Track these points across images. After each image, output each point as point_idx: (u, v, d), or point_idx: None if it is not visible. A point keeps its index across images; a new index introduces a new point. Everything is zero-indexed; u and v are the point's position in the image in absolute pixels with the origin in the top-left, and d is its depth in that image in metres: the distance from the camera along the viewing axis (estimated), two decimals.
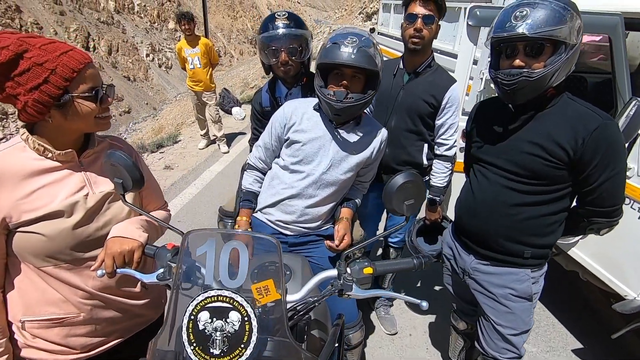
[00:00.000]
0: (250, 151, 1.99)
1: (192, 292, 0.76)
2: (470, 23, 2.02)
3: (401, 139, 1.90)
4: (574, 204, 1.33)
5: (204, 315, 0.67)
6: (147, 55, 25.31)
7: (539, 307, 2.60)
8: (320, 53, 1.36)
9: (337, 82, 1.35)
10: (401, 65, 1.89)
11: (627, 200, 1.87)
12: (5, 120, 21.39)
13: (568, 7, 1.07)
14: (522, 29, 1.06)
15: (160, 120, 14.35)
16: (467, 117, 1.54)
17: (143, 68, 23.54)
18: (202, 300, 0.68)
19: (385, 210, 2.23)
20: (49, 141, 0.94)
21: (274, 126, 1.53)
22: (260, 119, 1.86)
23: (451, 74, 1.91)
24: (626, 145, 1.79)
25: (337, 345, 1.19)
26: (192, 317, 0.67)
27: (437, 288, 2.71)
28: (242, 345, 0.66)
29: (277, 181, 1.53)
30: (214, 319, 0.67)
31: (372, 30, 5.73)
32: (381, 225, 2.29)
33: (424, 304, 0.87)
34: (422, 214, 2.11)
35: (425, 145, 1.91)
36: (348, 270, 0.93)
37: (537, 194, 1.26)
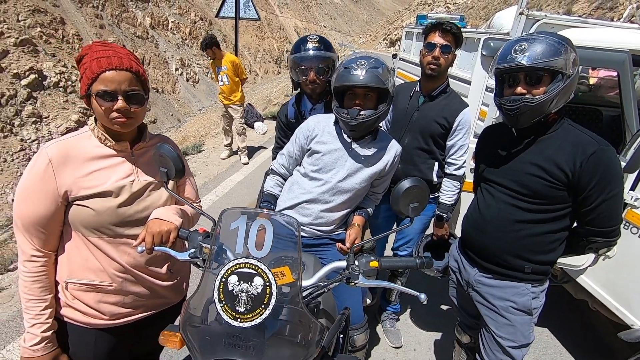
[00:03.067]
0: (274, 159, 2.17)
1: (221, 264, 0.90)
2: (484, 53, 2.17)
3: (413, 156, 2.02)
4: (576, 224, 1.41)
5: (233, 279, 0.81)
6: (177, 69, 26.49)
7: (546, 335, 2.60)
8: (334, 77, 1.53)
9: (351, 102, 1.51)
10: (417, 88, 2.04)
11: (634, 229, 1.92)
12: (39, 123, 22.60)
13: (562, 42, 1.21)
14: (521, 60, 1.20)
15: (184, 131, 14.90)
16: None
17: (171, 81, 24.64)
18: (233, 265, 0.82)
19: (395, 222, 2.33)
20: (106, 132, 1.12)
21: (298, 137, 1.69)
22: (284, 129, 2.03)
23: (465, 99, 2.05)
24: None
25: (341, 336, 1.29)
26: (223, 280, 0.81)
27: (443, 307, 2.75)
28: (263, 306, 0.79)
29: (297, 186, 1.67)
30: (241, 282, 0.80)
31: (395, 56, 5.95)
32: (391, 238, 2.38)
33: (423, 296, 0.97)
34: (430, 230, 2.21)
35: (436, 164, 2.03)
36: (356, 262, 1.05)
37: (539, 212, 1.36)
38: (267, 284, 0.80)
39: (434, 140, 1.98)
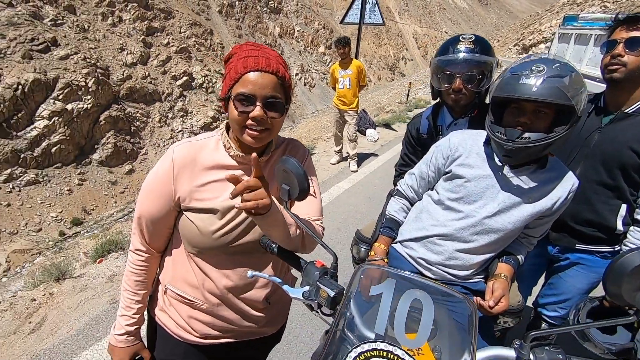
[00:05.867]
0: (397, 176, 1.91)
1: (352, 335, 0.68)
2: None
3: (588, 192, 1.52)
4: None
5: None
6: (297, 74, 28.50)
7: None
8: (496, 84, 1.19)
9: (513, 118, 1.15)
10: (601, 103, 1.53)
11: None
12: (185, 116, 27.10)
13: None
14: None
15: (297, 132, 15.82)
16: None
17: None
18: (371, 350, 0.59)
19: (544, 273, 1.83)
20: (234, 141, 1.02)
21: (435, 156, 1.40)
22: (413, 145, 1.76)
23: None
24: None
25: None
26: None
27: None
28: None
29: (427, 215, 1.39)
30: None
31: None
32: (535, 290, 1.88)
33: None
34: (598, 290, 1.64)
35: (624, 207, 1.48)
36: (532, 357, 0.72)
37: None
38: None
39: (625, 173, 1.44)
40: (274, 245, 0.99)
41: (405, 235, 1.44)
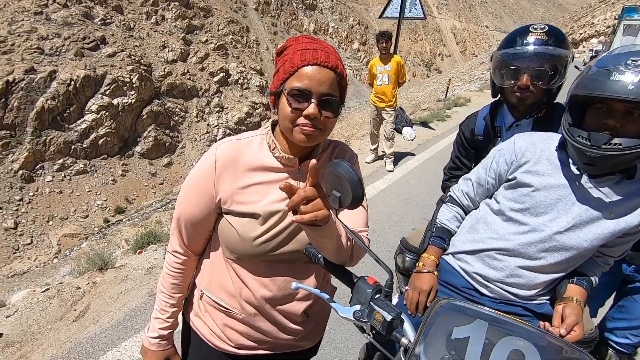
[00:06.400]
0: (446, 180, 1.77)
1: None
2: None
3: None
4: None
5: None
6: None
7: None
8: (577, 81, 1.03)
9: (598, 121, 0.99)
10: None
11: None
12: (221, 112, 27.85)
13: None
14: None
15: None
16: None
17: None
18: None
19: (614, 293, 1.63)
20: (280, 141, 0.94)
21: (496, 161, 1.26)
22: (466, 147, 1.61)
23: None
24: None
25: None
26: None
27: None
28: None
29: (484, 226, 1.25)
30: None
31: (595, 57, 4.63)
32: (602, 311, 1.68)
33: None
34: None
35: None
36: None
37: None
38: None
39: None
40: (319, 256, 0.90)
41: (458, 246, 1.31)
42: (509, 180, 1.22)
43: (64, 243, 17.74)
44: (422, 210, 3.98)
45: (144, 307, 2.37)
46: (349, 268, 0.92)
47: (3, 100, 18.92)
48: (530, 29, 1.32)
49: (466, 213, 1.38)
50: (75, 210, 19.60)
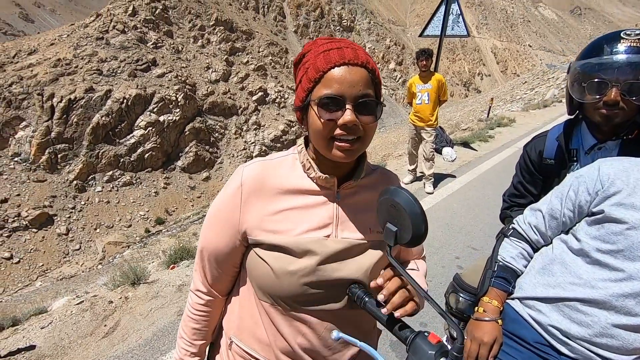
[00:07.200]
0: (506, 209, 1.56)
1: None
2: None
3: None
4: None
5: None
6: None
7: None
8: None
9: None
10: None
11: None
12: (258, 129, 28.72)
13: None
14: None
15: None
16: None
17: None
18: None
19: None
20: (315, 160, 0.81)
21: (575, 189, 1.05)
22: (533, 172, 1.40)
23: None
24: None
25: None
26: None
27: None
28: None
29: (561, 268, 1.03)
30: None
31: None
32: None
33: None
34: None
35: None
36: None
37: None
38: None
39: None
40: (367, 299, 0.75)
41: (528, 291, 1.09)
42: (594, 214, 1.01)
43: (108, 250, 18.74)
44: (465, 237, 3.67)
45: (172, 326, 2.30)
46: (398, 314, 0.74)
47: (65, 116, 20.78)
48: (621, 34, 1.11)
49: (534, 250, 1.17)
50: (120, 219, 20.74)
